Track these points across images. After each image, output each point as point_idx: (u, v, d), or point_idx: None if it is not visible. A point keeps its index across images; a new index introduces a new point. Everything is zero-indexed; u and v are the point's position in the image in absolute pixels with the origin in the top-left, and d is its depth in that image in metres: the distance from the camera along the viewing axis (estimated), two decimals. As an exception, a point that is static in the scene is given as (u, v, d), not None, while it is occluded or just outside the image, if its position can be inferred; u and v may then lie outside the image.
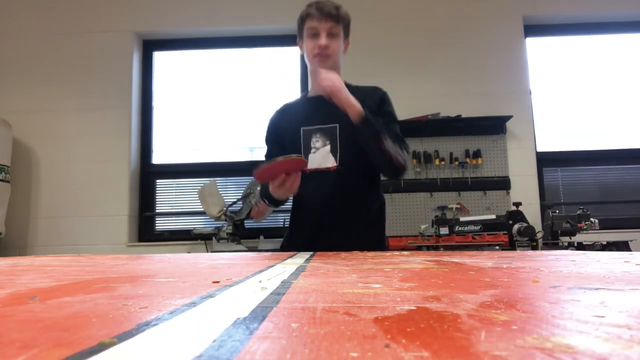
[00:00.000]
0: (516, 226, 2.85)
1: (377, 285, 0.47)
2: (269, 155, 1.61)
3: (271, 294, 0.42)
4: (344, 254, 1.20)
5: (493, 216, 3.06)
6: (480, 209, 3.45)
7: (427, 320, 0.28)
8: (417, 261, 0.86)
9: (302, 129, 1.51)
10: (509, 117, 3.49)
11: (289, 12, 3.80)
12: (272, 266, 0.78)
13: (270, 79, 3.89)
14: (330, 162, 1.47)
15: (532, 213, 3.31)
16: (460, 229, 3.02)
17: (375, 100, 1.51)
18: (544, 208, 3.38)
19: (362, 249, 1.34)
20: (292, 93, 3.84)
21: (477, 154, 3.49)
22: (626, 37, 3.84)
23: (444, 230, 3.02)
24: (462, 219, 3.08)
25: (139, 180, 3.72)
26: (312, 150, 1.49)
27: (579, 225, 2.77)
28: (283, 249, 1.63)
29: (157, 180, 3.77)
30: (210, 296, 0.40)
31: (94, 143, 3.60)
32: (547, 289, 0.43)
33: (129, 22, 3.75)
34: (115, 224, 3.50)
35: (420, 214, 3.42)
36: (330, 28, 1.45)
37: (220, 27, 3.80)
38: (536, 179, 3.52)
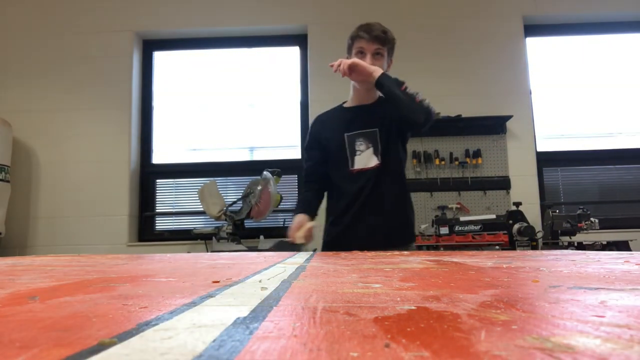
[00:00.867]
0: (516, 226, 2.85)
1: (377, 285, 0.47)
2: (310, 160, 1.80)
3: (271, 294, 0.42)
4: (343, 254, 1.20)
5: (493, 216, 3.06)
6: (480, 208, 3.45)
7: (427, 320, 0.28)
8: (417, 261, 0.86)
9: (345, 135, 1.68)
10: (509, 117, 3.49)
11: (289, 12, 3.81)
12: (272, 266, 0.78)
13: (270, 79, 3.89)
14: (373, 161, 1.65)
15: (532, 213, 3.31)
16: (460, 228, 3.02)
17: None
18: (544, 208, 3.38)
19: (399, 236, 1.62)
20: (292, 93, 3.84)
21: (477, 154, 3.49)
22: (626, 37, 3.84)
23: (444, 230, 3.02)
24: (462, 218, 3.08)
25: (139, 180, 3.72)
26: (357, 153, 1.67)
27: (579, 225, 2.77)
28: (328, 246, 1.80)
29: (157, 180, 3.77)
30: (210, 296, 0.40)
31: (94, 143, 3.60)
32: (547, 288, 0.43)
33: (129, 22, 3.75)
34: (115, 224, 3.50)
35: (421, 213, 3.42)
36: (377, 49, 1.62)
37: (220, 27, 3.80)
38: (536, 178, 3.52)
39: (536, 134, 3.65)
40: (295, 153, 3.76)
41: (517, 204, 3.01)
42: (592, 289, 0.43)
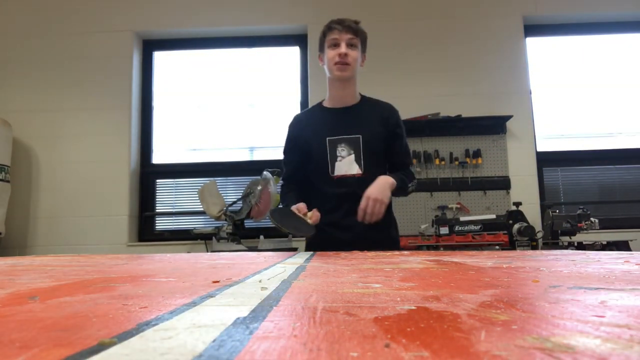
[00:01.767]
0: (516, 226, 2.85)
1: (377, 285, 0.47)
2: (289, 165, 1.77)
3: (271, 294, 0.42)
4: (343, 254, 1.20)
5: (493, 216, 3.06)
6: (480, 208, 3.45)
7: (427, 320, 0.28)
8: (417, 261, 0.86)
9: (327, 139, 1.64)
10: (509, 117, 3.49)
11: (289, 12, 3.81)
12: (272, 266, 0.78)
13: (270, 79, 3.89)
14: (355, 169, 1.62)
15: (532, 213, 3.31)
16: (460, 228, 3.02)
17: (391, 118, 1.69)
18: (544, 208, 3.38)
19: (383, 246, 1.54)
20: (292, 93, 3.84)
21: (477, 154, 3.49)
22: (626, 37, 3.84)
23: (444, 230, 3.02)
24: (462, 218, 3.08)
25: (139, 180, 3.71)
26: (338, 159, 1.63)
27: (579, 225, 2.77)
28: (309, 247, 1.73)
29: (157, 180, 3.77)
30: (210, 296, 0.40)
31: (94, 143, 3.60)
32: (547, 288, 0.43)
33: (129, 22, 3.75)
34: (115, 224, 3.50)
35: (420, 213, 3.42)
36: (350, 39, 1.61)
37: (220, 27, 3.80)
38: (536, 178, 3.52)
39: (536, 134, 3.65)
40: (295, 153, 3.75)
41: (517, 204, 3.01)
42: (592, 289, 0.43)
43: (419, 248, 2.94)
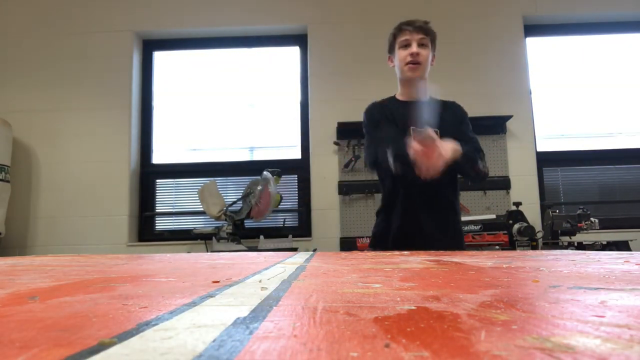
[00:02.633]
0: (516, 226, 2.85)
1: (377, 285, 0.47)
2: (372, 138, 1.66)
3: (271, 294, 0.42)
4: (344, 254, 1.20)
5: (493, 216, 3.06)
6: (480, 208, 3.45)
7: (427, 320, 0.28)
8: (417, 261, 0.86)
9: (412, 127, 1.62)
10: (509, 117, 3.49)
11: (289, 12, 3.81)
12: (272, 266, 0.78)
13: (270, 79, 3.89)
14: None
15: (532, 213, 3.31)
16: (460, 228, 3.01)
17: (457, 115, 1.74)
18: (544, 208, 3.38)
19: (450, 243, 1.54)
20: (292, 93, 3.84)
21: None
22: (626, 37, 3.84)
23: (444, 230, 3.01)
24: (462, 218, 3.07)
25: (139, 180, 3.72)
26: None
27: (579, 225, 2.77)
28: (376, 245, 1.70)
29: (157, 180, 3.77)
30: (210, 296, 0.40)
31: (94, 143, 3.60)
32: (547, 288, 0.43)
33: (129, 22, 3.75)
34: (115, 224, 3.50)
35: (420, 213, 3.42)
36: (421, 39, 1.63)
37: (220, 27, 3.80)
38: (536, 178, 3.52)
39: (536, 134, 3.65)
40: (295, 153, 3.76)
41: (517, 204, 3.01)
42: (592, 289, 0.43)
43: (419, 248, 2.93)
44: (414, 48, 1.60)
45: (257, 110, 3.84)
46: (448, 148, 1.45)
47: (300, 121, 3.77)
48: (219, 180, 3.52)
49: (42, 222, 3.54)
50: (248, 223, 3.38)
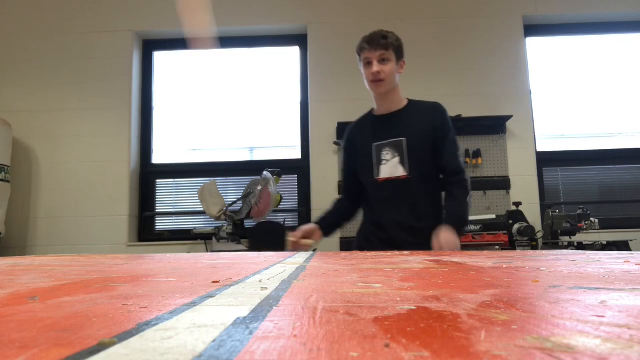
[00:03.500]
0: (516, 226, 2.85)
1: (377, 285, 0.47)
2: (345, 173, 1.86)
3: (271, 294, 0.42)
4: (343, 254, 1.20)
5: (493, 216, 3.06)
6: (480, 208, 3.45)
7: (427, 320, 0.28)
8: (417, 261, 0.86)
9: (373, 144, 1.71)
10: (509, 117, 3.49)
11: (289, 12, 3.81)
12: (272, 266, 0.78)
13: (270, 79, 3.89)
14: (399, 171, 1.67)
15: (532, 213, 3.31)
16: (460, 228, 3.01)
17: (438, 119, 1.70)
18: (544, 208, 3.38)
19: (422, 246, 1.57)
20: (292, 93, 3.84)
21: (477, 154, 3.49)
22: (626, 37, 3.84)
23: (444, 230, 3.02)
24: (462, 218, 3.07)
25: (139, 180, 3.72)
26: (383, 162, 1.69)
27: (579, 225, 2.77)
28: (360, 247, 1.76)
29: (157, 180, 3.77)
30: (210, 296, 0.40)
31: (94, 143, 3.60)
32: (547, 288, 0.43)
33: (129, 22, 3.75)
34: (115, 224, 3.50)
35: (420, 213, 3.42)
36: (381, 55, 1.65)
37: (220, 27, 3.80)
38: (536, 179, 3.52)
39: (536, 134, 3.65)
40: (295, 153, 3.76)
41: (517, 204, 3.01)
42: (592, 289, 0.43)
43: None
44: (375, 67, 1.64)
45: (257, 110, 3.84)
46: (451, 240, 1.53)
47: (300, 121, 3.77)
48: (219, 180, 3.52)
49: (42, 222, 3.54)
50: (248, 223, 3.38)
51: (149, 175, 3.76)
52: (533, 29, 3.78)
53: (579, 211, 2.82)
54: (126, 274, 0.66)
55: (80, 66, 3.69)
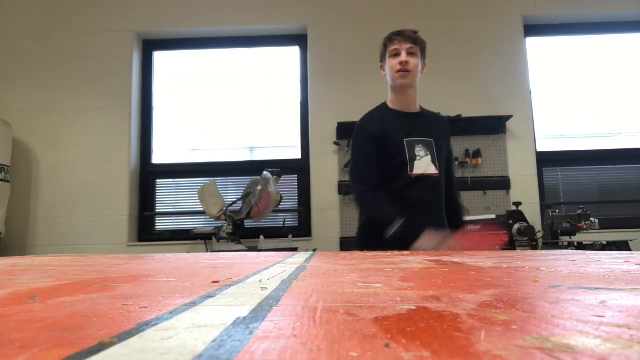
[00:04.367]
0: (516, 226, 2.85)
1: (377, 285, 0.47)
2: (364, 156, 1.73)
3: (271, 294, 0.42)
4: (343, 254, 1.20)
5: (493, 216, 3.06)
6: (480, 208, 3.45)
7: (427, 320, 0.28)
8: (417, 261, 0.86)
9: (405, 140, 1.70)
10: (509, 117, 3.49)
11: (289, 12, 3.81)
12: (272, 266, 0.78)
13: (270, 79, 3.89)
14: (432, 169, 1.71)
15: (532, 213, 3.31)
16: (460, 228, 3.01)
17: (447, 130, 1.84)
18: (544, 208, 3.38)
19: None
20: (292, 93, 3.84)
21: (477, 154, 3.49)
22: (626, 37, 3.84)
23: (444, 230, 3.02)
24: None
25: (139, 180, 3.72)
26: (417, 158, 1.70)
27: (579, 225, 2.77)
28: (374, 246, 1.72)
29: (157, 180, 3.77)
30: (210, 296, 0.40)
31: (94, 143, 3.60)
32: (547, 288, 0.43)
33: (129, 22, 3.75)
34: (115, 224, 3.50)
35: (420, 213, 3.41)
36: (410, 48, 1.69)
37: (220, 27, 3.80)
38: (536, 178, 3.52)
39: (536, 134, 3.65)
40: (295, 153, 3.76)
41: (517, 204, 3.01)
42: (592, 289, 0.43)
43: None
44: (404, 57, 1.67)
45: (257, 110, 3.84)
46: (459, 242, 1.58)
47: (300, 121, 3.77)
48: (219, 180, 3.52)
49: (42, 222, 3.54)
50: (248, 223, 3.39)
51: (149, 175, 3.76)
52: (533, 29, 3.78)
53: (579, 211, 2.82)
54: (126, 274, 0.66)
55: (81, 66, 3.69)
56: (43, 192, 3.57)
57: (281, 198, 3.26)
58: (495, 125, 3.53)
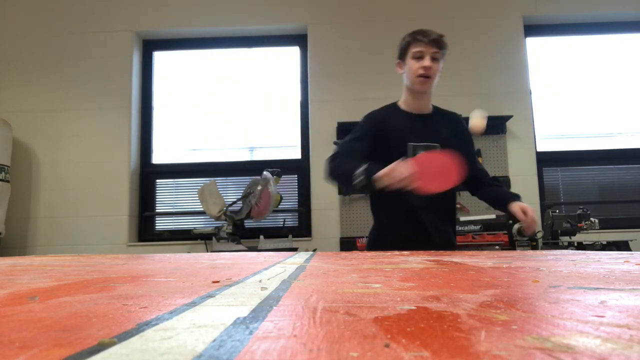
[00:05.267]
0: (516, 226, 2.85)
1: (377, 285, 0.47)
2: (355, 142, 1.65)
3: (271, 294, 0.42)
4: (344, 254, 1.20)
5: (493, 216, 3.06)
6: (480, 208, 3.44)
7: (427, 320, 0.28)
8: (417, 261, 0.86)
9: (409, 144, 1.65)
10: (509, 117, 3.49)
11: (289, 12, 3.81)
12: (272, 266, 0.78)
13: (270, 79, 3.89)
14: None
15: (532, 213, 3.30)
16: (460, 228, 3.02)
17: (462, 130, 1.81)
18: (544, 208, 3.38)
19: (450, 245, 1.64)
20: (292, 93, 3.84)
21: (477, 154, 3.49)
22: (626, 37, 3.84)
23: (444, 230, 3.01)
24: (462, 218, 3.08)
25: (139, 180, 3.71)
26: None
27: (579, 225, 2.77)
28: (375, 246, 1.70)
29: (157, 180, 3.77)
30: (210, 296, 0.40)
31: (94, 143, 3.60)
32: (547, 288, 0.43)
33: (129, 22, 3.75)
34: (115, 224, 3.50)
35: (420, 213, 3.41)
36: (434, 53, 1.63)
37: (220, 27, 3.80)
38: (536, 179, 3.52)
39: (536, 134, 3.65)
40: (295, 153, 3.76)
41: (517, 204, 3.00)
42: (592, 289, 0.43)
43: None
44: (427, 62, 1.60)
45: (257, 110, 3.84)
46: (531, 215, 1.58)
47: (300, 121, 3.77)
48: (219, 180, 3.52)
49: (42, 222, 3.54)
50: (248, 223, 3.38)
51: (149, 175, 3.76)
52: (533, 29, 3.78)
53: (579, 211, 2.82)
54: (126, 274, 0.66)
55: (80, 66, 3.69)
56: (43, 192, 3.57)
57: (281, 198, 3.26)
58: (495, 125, 3.53)
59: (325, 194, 3.50)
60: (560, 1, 3.71)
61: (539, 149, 3.63)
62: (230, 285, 0.48)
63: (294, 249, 3.12)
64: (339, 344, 0.22)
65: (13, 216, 3.45)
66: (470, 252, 1.30)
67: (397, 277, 0.56)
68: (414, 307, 0.33)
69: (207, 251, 3.29)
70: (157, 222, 3.72)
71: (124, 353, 0.21)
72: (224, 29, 3.82)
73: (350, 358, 0.20)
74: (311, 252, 1.52)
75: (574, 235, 2.92)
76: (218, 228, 3.22)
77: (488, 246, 2.93)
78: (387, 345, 0.22)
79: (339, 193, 3.49)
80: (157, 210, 3.73)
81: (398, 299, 0.37)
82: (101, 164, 3.57)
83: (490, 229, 2.99)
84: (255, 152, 3.80)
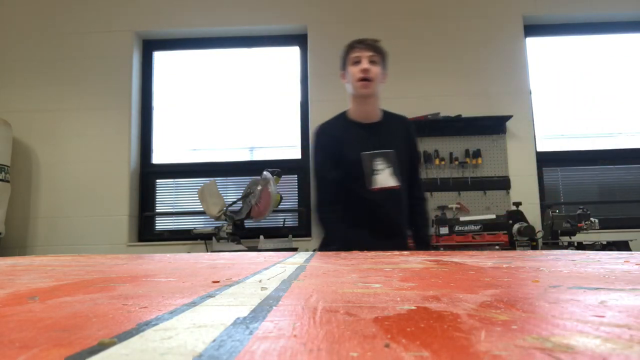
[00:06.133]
0: (516, 226, 2.85)
1: (377, 285, 0.47)
2: (321, 165, 1.75)
3: (271, 294, 0.42)
4: (343, 254, 1.20)
5: (493, 216, 3.06)
6: (480, 208, 3.45)
7: (427, 320, 0.28)
8: (417, 261, 0.86)
9: (362, 153, 1.69)
10: (509, 117, 3.49)
11: (289, 12, 3.81)
12: (272, 266, 0.78)
13: (270, 79, 3.89)
14: (392, 182, 1.69)
15: (532, 213, 3.31)
16: (460, 228, 3.02)
17: (412, 136, 1.82)
18: (544, 208, 3.38)
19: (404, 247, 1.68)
20: (292, 93, 3.84)
21: (477, 154, 3.49)
22: (626, 37, 3.84)
23: (444, 230, 3.02)
24: (462, 218, 3.08)
25: (139, 180, 3.71)
26: (376, 172, 1.69)
27: (579, 225, 2.77)
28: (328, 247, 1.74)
29: (157, 180, 3.77)
30: (210, 296, 0.40)
31: (94, 143, 3.60)
32: (547, 288, 0.43)
33: (129, 22, 3.75)
34: (115, 224, 3.50)
35: (420, 213, 3.41)
36: (371, 56, 1.67)
37: (220, 27, 3.80)
38: (536, 178, 3.52)
39: (536, 134, 3.65)
40: (295, 153, 3.76)
41: (517, 204, 3.01)
42: (592, 289, 0.43)
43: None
44: (365, 64, 1.65)
45: (257, 110, 3.84)
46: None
47: (300, 121, 3.77)
48: (219, 180, 3.52)
49: (42, 222, 3.54)
50: (248, 223, 3.38)
51: (149, 175, 3.76)
52: (533, 29, 3.78)
53: (579, 211, 2.82)
54: (126, 274, 0.66)
55: (81, 66, 3.69)
56: (43, 192, 3.57)
57: (281, 198, 3.26)
58: (495, 125, 3.53)
59: (325, 194, 3.49)
60: (560, 1, 3.71)
61: (539, 149, 3.64)
62: (230, 285, 0.48)
63: (294, 249, 3.12)
64: (339, 344, 0.22)
65: (13, 216, 3.45)
66: (470, 252, 1.30)
67: (397, 277, 0.56)
68: (414, 307, 0.33)
69: (207, 251, 3.29)
70: (157, 222, 3.72)
71: (124, 353, 0.21)
72: (223, 29, 3.82)
73: (350, 358, 0.20)
74: (311, 252, 1.52)
75: (574, 235, 2.92)
76: (218, 228, 3.22)
77: (488, 246, 2.93)
78: (387, 345, 0.22)
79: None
80: (157, 210, 3.73)
81: (398, 299, 0.37)
82: (101, 164, 3.57)
83: (490, 229, 2.99)
84: (255, 152, 3.80)
